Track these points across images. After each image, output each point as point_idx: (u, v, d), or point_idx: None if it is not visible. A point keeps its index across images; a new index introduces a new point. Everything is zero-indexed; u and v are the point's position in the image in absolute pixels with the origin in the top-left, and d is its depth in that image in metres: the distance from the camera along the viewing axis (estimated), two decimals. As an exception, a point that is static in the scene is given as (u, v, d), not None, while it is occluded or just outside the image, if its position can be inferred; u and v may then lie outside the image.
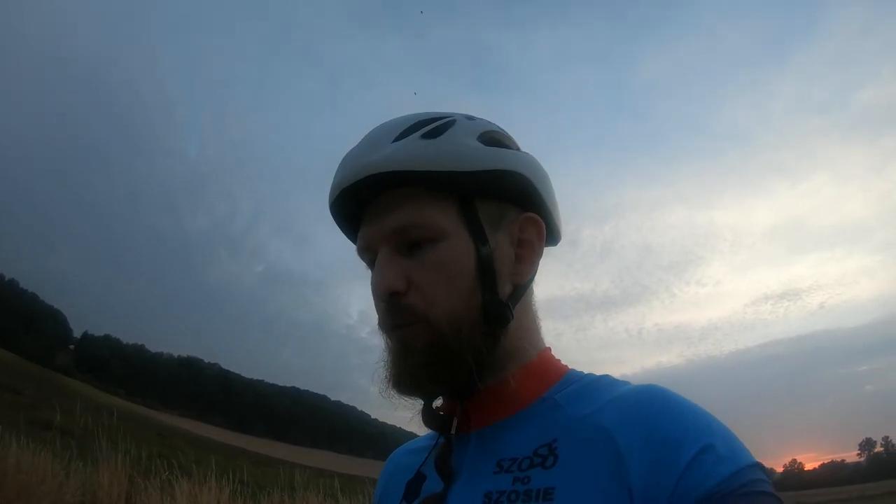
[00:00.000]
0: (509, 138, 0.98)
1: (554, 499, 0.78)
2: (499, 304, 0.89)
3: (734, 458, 0.74)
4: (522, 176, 0.93)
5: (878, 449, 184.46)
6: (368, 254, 0.94)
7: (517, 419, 0.90)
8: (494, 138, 0.94)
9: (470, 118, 0.95)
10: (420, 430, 0.97)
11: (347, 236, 1.01)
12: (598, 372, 0.94)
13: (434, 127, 0.90)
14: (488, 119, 0.98)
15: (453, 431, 0.94)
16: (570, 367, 0.98)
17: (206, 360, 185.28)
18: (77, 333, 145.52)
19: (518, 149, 0.98)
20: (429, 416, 0.94)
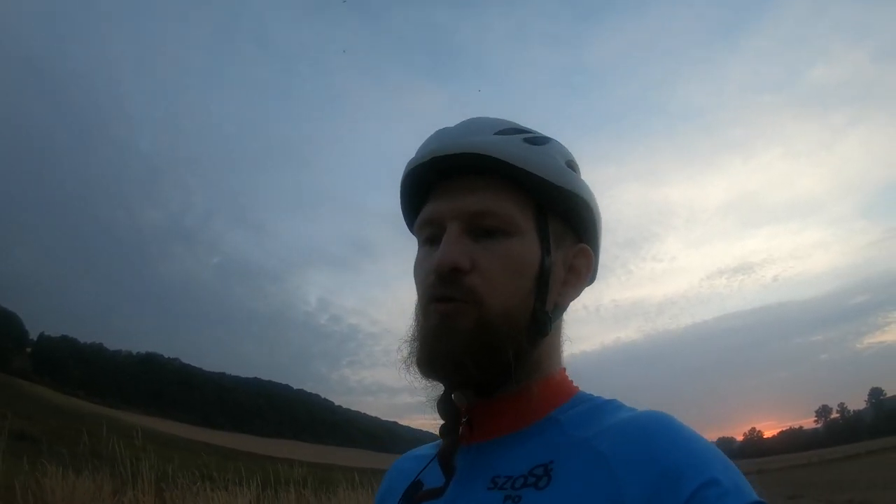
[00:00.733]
0: (580, 173, 1.01)
1: None
2: (545, 314, 0.92)
3: (738, 493, 0.72)
4: (591, 209, 0.98)
5: (835, 415, 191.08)
6: (431, 228, 0.94)
7: (519, 436, 0.91)
8: (576, 168, 0.99)
9: (561, 144, 0.99)
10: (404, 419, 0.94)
11: (406, 209, 1.03)
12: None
13: (534, 137, 0.95)
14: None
15: (460, 440, 0.93)
16: (580, 388, 0.99)
17: (167, 356, 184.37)
18: (33, 335, 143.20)
19: None
20: (446, 406, 0.92)
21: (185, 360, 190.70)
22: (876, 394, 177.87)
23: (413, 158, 0.97)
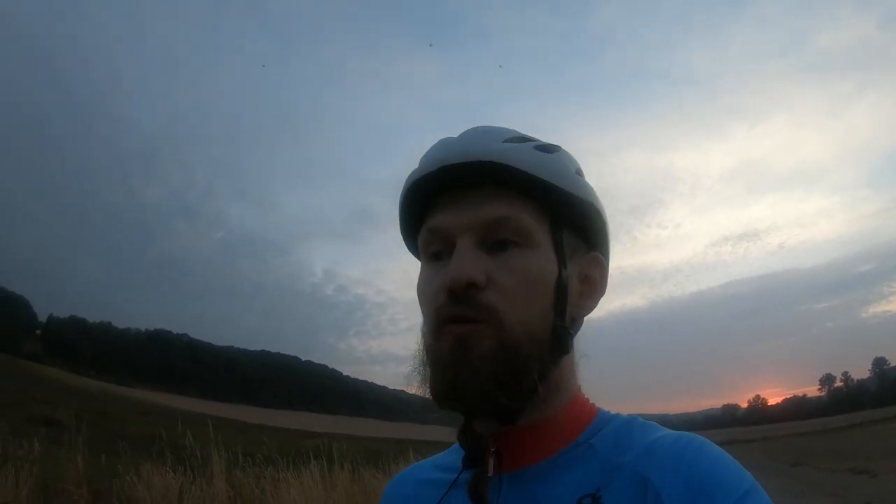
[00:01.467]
0: None
1: None
2: (565, 329, 0.87)
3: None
4: (602, 217, 0.94)
5: (839, 383, 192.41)
6: (439, 243, 0.88)
7: (555, 463, 0.86)
8: (583, 176, 0.94)
9: (569, 153, 0.95)
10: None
11: (405, 222, 0.96)
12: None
13: (545, 144, 0.90)
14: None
15: (489, 471, 0.86)
16: (597, 406, 0.95)
17: (175, 332, 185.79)
18: (42, 318, 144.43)
19: None
20: (469, 437, 0.85)
21: (194, 336, 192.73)
22: (880, 363, 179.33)
23: (417, 169, 0.91)
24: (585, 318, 0.92)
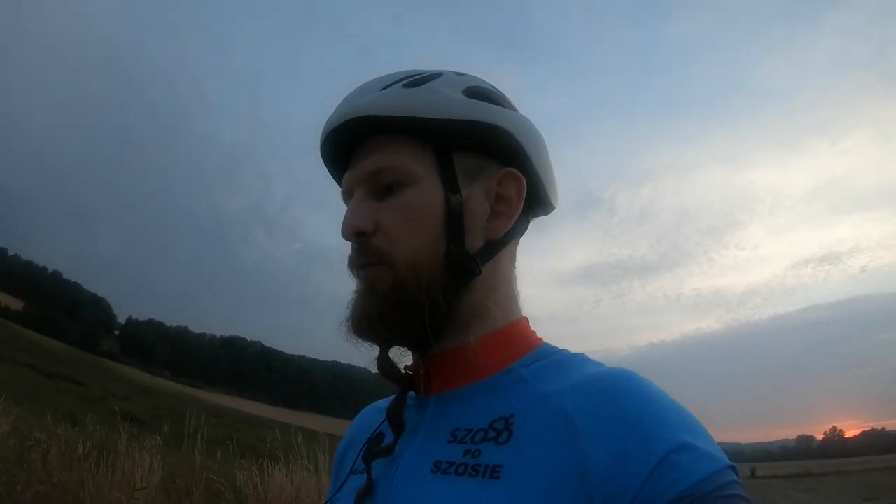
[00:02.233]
0: (502, 97, 0.96)
1: (500, 477, 0.75)
2: (464, 255, 0.87)
3: (710, 458, 0.69)
4: (505, 131, 0.90)
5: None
6: (348, 198, 0.94)
7: (478, 388, 0.88)
8: (482, 93, 0.92)
9: (459, 74, 0.94)
10: None
11: (338, 183, 1.00)
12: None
13: (417, 78, 0.90)
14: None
15: (420, 392, 0.92)
16: (544, 340, 0.94)
17: (249, 339, 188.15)
18: (121, 319, 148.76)
19: (513, 109, 0.95)
20: (384, 365, 0.90)
21: (267, 344, 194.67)
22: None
23: (319, 138, 0.97)
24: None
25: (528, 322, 0.96)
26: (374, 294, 0.87)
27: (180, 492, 7.42)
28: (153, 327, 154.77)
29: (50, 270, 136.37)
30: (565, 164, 1.05)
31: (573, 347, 0.92)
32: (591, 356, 0.90)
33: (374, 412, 1.07)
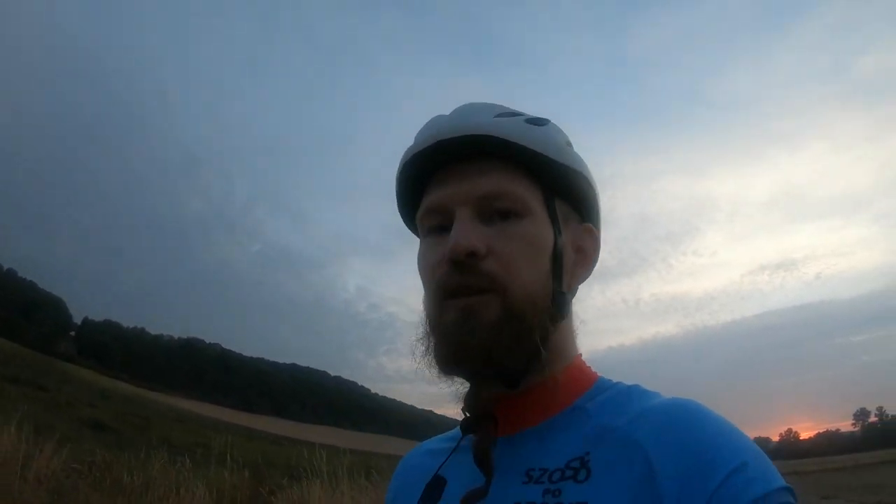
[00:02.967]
0: None
1: None
2: (563, 294, 0.90)
3: (767, 479, 0.72)
4: (593, 188, 0.96)
5: (873, 419, 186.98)
6: (438, 217, 0.91)
7: (547, 427, 0.89)
8: (573, 148, 0.96)
9: (557, 125, 0.96)
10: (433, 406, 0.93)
11: (403, 199, 0.98)
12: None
13: (535, 118, 0.92)
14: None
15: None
16: (599, 374, 0.97)
17: (207, 341, 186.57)
18: (77, 319, 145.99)
19: None
20: (476, 401, 0.88)
21: (226, 346, 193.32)
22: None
23: (412, 146, 0.93)
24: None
25: (581, 357, 0.98)
26: (480, 325, 0.83)
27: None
28: (110, 328, 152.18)
29: (4, 269, 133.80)
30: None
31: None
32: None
33: (422, 456, 1.05)
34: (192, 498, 7.33)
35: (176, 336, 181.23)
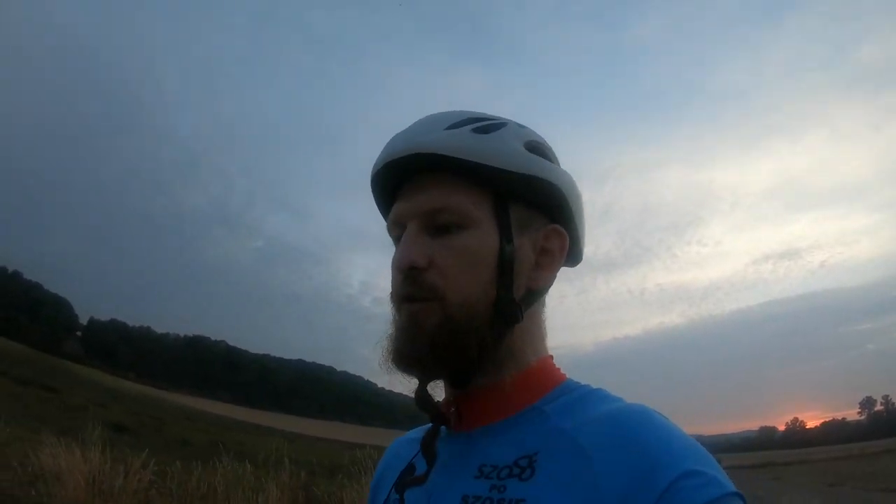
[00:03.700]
0: (552, 153, 1.01)
1: None
2: (511, 302, 0.92)
3: (716, 484, 0.72)
4: (558, 189, 0.96)
5: (879, 407, 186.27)
6: (397, 229, 0.96)
7: (505, 425, 0.92)
8: (539, 148, 0.97)
9: (521, 126, 0.99)
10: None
11: (381, 211, 1.04)
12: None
13: (485, 125, 0.94)
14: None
15: (451, 427, 0.97)
16: (567, 376, 0.99)
17: (213, 338, 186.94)
18: (83, 319, 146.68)
19: (558, 165, 1.01)
20: (422, 399, 0.95)
21: (231, 343, 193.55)
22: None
23: (373, 165, 0.99)
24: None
25: (552, 359, 1.00)
26: (421, 330, 0.89)
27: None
28: (115, 327, 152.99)
29: (10, 271, 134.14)
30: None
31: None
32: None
33: (405, 444, 1.12)
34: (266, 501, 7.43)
35: (181, 334, 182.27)
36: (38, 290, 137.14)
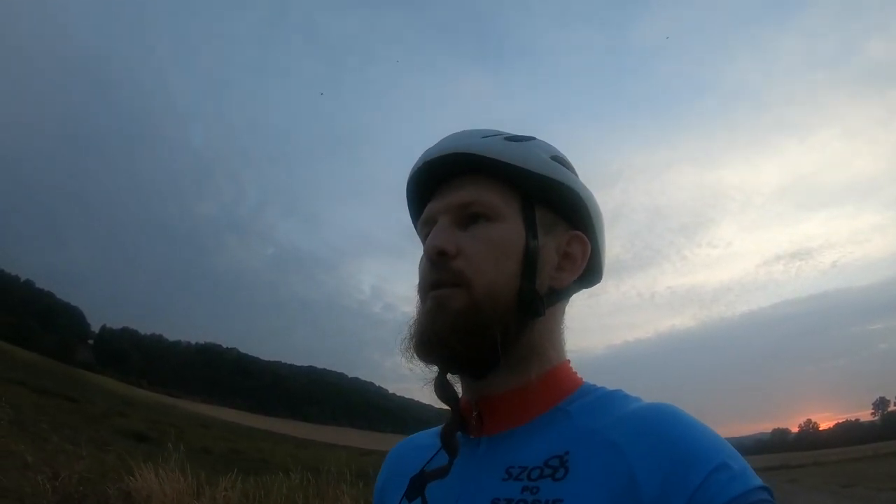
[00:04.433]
0: (574, 170, 1.06)
1: None
2: (534, 293, 0.94)
3: (746, 478, 0.76)
4: (580, 197, 1.01)
5: (892, 408, 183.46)
6: (429, 226, 1.01)
7: (529, 427, 0.93)
8: (564, 162, 1.03)
9: (546, 143, 1.05)
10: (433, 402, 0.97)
11: (412, 213, 1.10)
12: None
13: (517, 136, 1.01)
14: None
15: (471, 432, 0.98)
16: (584, 379, 1.01)
17: (224, 346, 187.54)
18: (95, 328, 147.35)
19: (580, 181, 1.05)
20: (443, 387, 0.95)
21: (243, 350, 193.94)
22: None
23: (412, 167, 1.05)
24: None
25: (570, 363, 1.03)
26: (446, 313, 0.91)
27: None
28: (127, 335, 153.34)
29: (23, 279, 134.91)
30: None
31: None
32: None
33: (411, 448, 1.11)
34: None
35: (193, 342, 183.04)
36: (51, 298, 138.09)
